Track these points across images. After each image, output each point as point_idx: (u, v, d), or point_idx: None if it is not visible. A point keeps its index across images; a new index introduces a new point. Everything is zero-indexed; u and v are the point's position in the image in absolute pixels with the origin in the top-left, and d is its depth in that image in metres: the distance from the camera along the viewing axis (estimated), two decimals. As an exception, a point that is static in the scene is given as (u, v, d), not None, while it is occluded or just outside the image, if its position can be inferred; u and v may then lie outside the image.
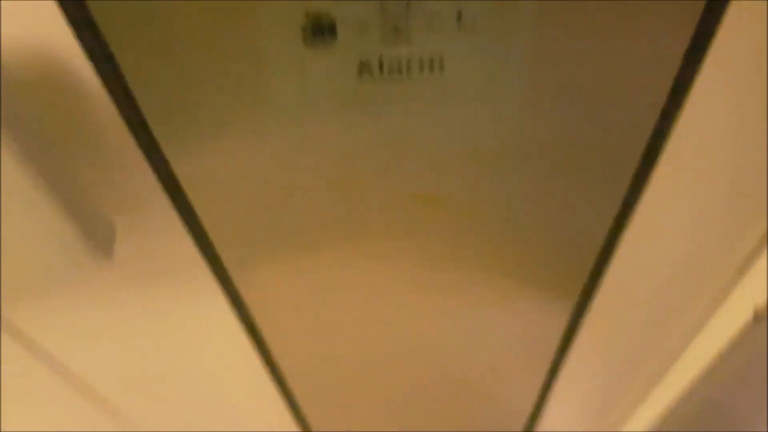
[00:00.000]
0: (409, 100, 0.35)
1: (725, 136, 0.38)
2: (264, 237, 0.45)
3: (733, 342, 0.49)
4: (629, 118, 0.36)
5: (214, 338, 0.56)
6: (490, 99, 0.35)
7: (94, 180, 0.40)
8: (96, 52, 0.32)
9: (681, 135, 0.38)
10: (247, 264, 0.47)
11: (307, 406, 0.73)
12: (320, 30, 0.32)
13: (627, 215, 0.44)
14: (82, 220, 0.39)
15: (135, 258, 0.45)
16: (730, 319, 0.50)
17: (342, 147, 0.38)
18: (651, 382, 0.67)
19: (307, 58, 0.33)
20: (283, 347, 0.59)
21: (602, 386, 0.72)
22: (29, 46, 0.32)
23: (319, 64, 0.34)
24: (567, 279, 0.50)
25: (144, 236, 0.44)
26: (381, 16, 0.32)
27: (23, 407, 0.66)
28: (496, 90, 0.35)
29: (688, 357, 0.58)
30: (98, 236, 0.41)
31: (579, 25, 0.32)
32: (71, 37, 0.31)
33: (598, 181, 0.41)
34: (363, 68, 0.34)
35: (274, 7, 0.31)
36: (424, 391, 0.71)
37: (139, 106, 0.35)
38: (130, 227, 0.43)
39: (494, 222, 0.44)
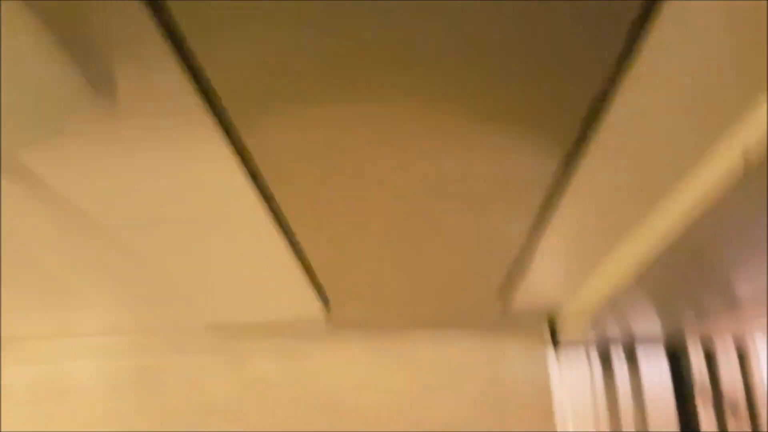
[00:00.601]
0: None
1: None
2: (262, 79, 0.44)
3: (720, 186, 0.50)
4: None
5: (216, 181, 0.57)
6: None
7: (94, 26, 0.38)
8: None
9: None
10: (246, 108, 0.46)
11: (309, 246, 0.76)
12: None
13: (628, 56, 0.43)
14: (85, 65, 0.39)
15: (137, 102, 0.45)
16: (719, 165, 0.51)
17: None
18: (637, 227, 0.69)
19: None
20: (284, 188, 0.60)
21: (589, 232, 0.74)
22: None
23: None
24: (561, 123, 0.50)
25: (144, 81, 0.43)
26: None
27: (31, 247, 0.68)
28: None
29: (675, 201, 0.60)
30: (100, 81, 0.41)
31: None
32: None
33: (601, 16, 0.40)
34: None
35: None
36: (418, 233, 0.73)
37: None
38: (131, 72, 0.42)
39: (492, 58, 0.43)
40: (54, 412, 1.23)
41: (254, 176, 0.58)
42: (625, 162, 0.57)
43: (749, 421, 1.02)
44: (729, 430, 1.02)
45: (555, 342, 1.15)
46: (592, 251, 0.82)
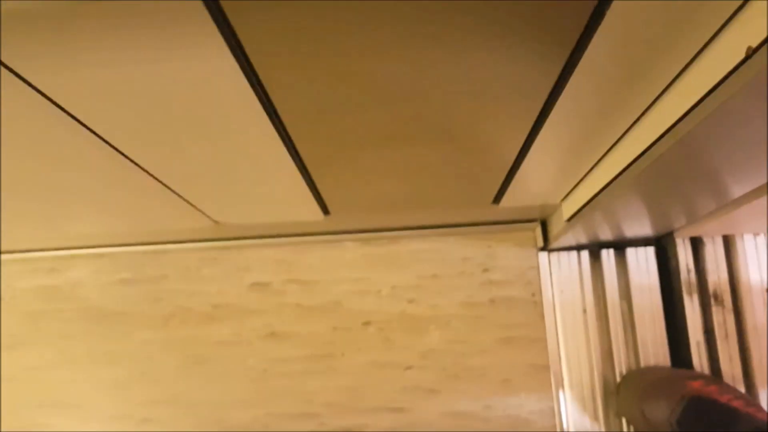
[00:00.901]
0: None
1: None
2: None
3: (720, 81, 0.50)
4: None
5: (213, 81, 0.57)
6: None
7: None
8: None
9: None
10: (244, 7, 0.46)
11: (308, 155, 0.76)
12: None
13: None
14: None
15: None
16: (718, 62, 0.50)
17: None
18: (632, 130, 0.70)
19: None
20: (281, 92, 0.60)
21: (585, 137, 0.75)
22: None
23: None
24: (564, 24, 0.49)
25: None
26: None
27: (21, 151, 0.68)
28: None
29: (670, 101, 0.60)
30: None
31: None
32: None
33: None
34: None
35: None
36: (416, 142, 0.74)
37: None
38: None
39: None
40: (58, 320, 1.28)
41: (253, 80, 0.57)
42: (623, 62, 0.57)
43: (732, 311, 1.07)
44: (714, 318, 1.07)
45: (547, 244, 1.18)
46: (587, 155, 0.83)
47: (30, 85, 0.56)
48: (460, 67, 0.57)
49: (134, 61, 0.53)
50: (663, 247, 1.14)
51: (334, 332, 1.22)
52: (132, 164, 0.75)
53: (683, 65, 0.57)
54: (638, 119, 0.69)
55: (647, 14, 0.49)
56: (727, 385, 1.01)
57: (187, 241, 1.25)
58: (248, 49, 0.52)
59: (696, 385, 0.98)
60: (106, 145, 0.69)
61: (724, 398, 0.95)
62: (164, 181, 0.83)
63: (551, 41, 0.53)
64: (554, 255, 1.18)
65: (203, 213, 1.00)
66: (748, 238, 1.09)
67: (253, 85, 0.58)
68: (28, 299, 1.29)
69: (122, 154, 0.72)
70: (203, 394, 1.22)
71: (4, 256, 1.30)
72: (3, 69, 0.52)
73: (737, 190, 0.82)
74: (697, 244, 1.11)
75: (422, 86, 0.61)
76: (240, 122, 0.66)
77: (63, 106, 0.60)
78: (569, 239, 1.12)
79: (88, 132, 0.66)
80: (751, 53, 0.48)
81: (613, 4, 0.48)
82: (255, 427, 1.20)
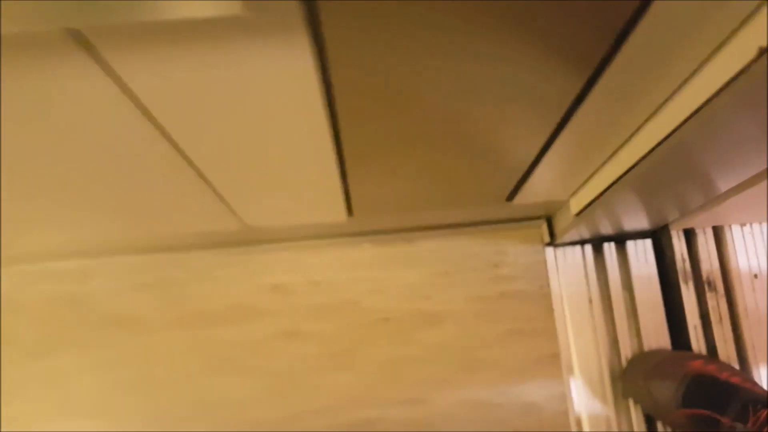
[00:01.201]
0: None
1: None
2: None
3: (724, 86, 0.56)
4: None
5: (288, 80, 0.60)
6: None
7: None
8: None
9: None
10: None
11: (350, 151, 0.81)
12: None
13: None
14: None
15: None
16: (722, 64, 0.55)
17: None
18: (637, 134, 0.76)
19: None
20: (347, 93, 0.64)
21: (594, 141, 0.81)
22: None
23: None
24: (594, 36, 0.54)
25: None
26: None
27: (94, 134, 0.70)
28: None
29: (678, 99, 0.66)
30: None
31: None
32: None
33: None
34: None
35: None
36: (447, 138, 0.79)
37: None
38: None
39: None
40: (77, 327, 1.29)
41: (324, 80, 0.61)
42: (641, 72, 0.62)
43: (725, 296, 1.16)
44: (708, 304, 1.16)
45: (553, 240, 1.26)
46: (597, 155, 0.89)
47: (117, 79, 0.58)
48: (497, 77, 0.62)
49: (219, 59, 0.55)
50: (659, 239, 1.23)
51: (352, 330, 1.26)
52: (184, 161, 0.78)
53: (691, 72, 0.62)
54: (650, 117, 0.75)
55: (672, 29, 0.55)
56: (724, 364, 1.10)
57: (206, 244, 1.28)
58: (329, 50, 0.55)
59: (696, 364, 1.06)
60: (165, 141, 0.71)
61: (723, 375, 1.03)
62: (211, 181, 0.86)
63: (577, 57, 0.58)
64: (560, 250, 1.26)
65: (237, 216, 1.03)
66: (735, 229, 1.19)
67: (323, 86, 0.62)
68: (46, 306, 1.30)
69: (179, 150, 0.75)
70: (225, 395, 1.24)
71: (22, 264, 1.31)
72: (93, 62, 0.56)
73: (723, 185, 0.90)
74: (690, 236, 1.20)
75: (461, 93, 0.65)
76: (300, 122, 0.70)
77: (142, 99, 0.61)
78: (574, 234, 1.19)
79: (153, 128, 0.68)
80: (762, 52, 0.54)
81: (641, 21, 0.53)
82: (277, 425, 1.23)
